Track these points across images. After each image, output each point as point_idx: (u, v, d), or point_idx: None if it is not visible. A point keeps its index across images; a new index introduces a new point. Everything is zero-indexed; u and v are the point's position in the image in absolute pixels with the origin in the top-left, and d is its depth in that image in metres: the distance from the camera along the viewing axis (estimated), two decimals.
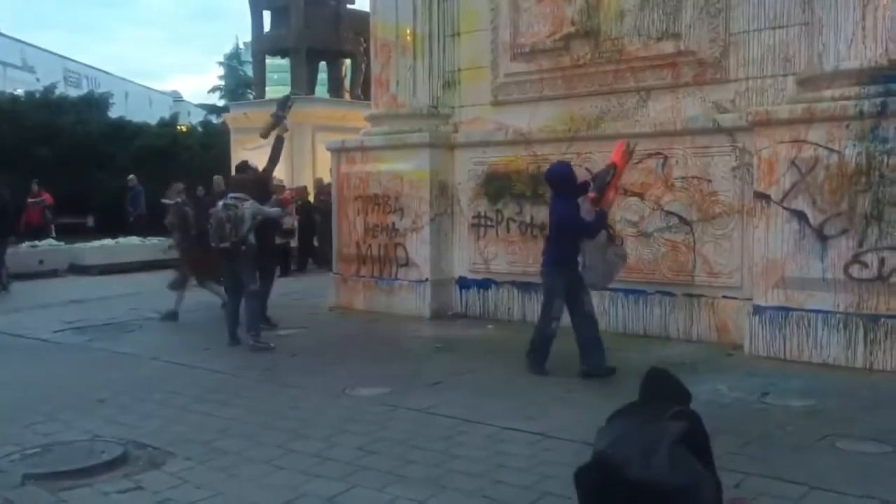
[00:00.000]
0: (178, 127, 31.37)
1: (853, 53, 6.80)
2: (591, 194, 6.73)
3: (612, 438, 2.97)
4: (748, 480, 4.35)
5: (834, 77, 6.94)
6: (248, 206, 8.26)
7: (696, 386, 6.28)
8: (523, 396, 6.18)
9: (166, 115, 37.68)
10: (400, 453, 4.98)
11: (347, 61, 23.09)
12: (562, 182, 6.97)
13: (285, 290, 11.59)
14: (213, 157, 23.07)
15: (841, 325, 6.76)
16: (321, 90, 24.71)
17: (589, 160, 8.75)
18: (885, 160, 6.49)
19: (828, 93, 6.94)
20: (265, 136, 9.39)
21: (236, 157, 19.40)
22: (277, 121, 9.23)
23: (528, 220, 9.34)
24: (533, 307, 9.25)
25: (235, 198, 8.31)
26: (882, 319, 6.52)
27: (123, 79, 52.77)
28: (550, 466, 4.61)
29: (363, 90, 20.73)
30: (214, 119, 32.52)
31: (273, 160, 9.05)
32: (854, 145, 6.68)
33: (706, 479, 2.93)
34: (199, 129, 31.15)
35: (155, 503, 4.32)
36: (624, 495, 2.84)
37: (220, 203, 8.35)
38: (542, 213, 9.16)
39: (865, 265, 6.63)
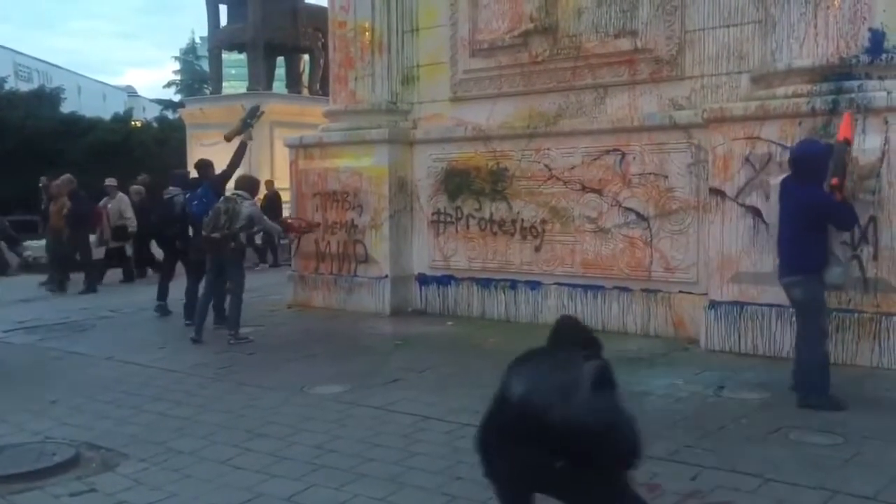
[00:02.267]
0: (133, 122, 30.89)
1: (805, 52, 6.91)
2: (834, 179, 5.42)
3: (527, 382, 2.86)
4: (704, 473, 4.41)
5: (787, 75, 7.05)
6: (248, 206, 8.43)
7: (653, 380, 6.38)
8: (483, 392, 6.15)
9: (121, 110, 37.07)
10: (359, 451, 4.94)
11: (305, 56, 22.94)
12: (812, 162, 5.60)
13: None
14: (168, 152, 22.74)
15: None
16: (279, 85, 24.52)
17: (548, 156, 8.80)
18: None
19: (781, 90, 7.05)
20: (229, 139, 9.31)
21: (192, 152, 19.19)
22: (244, 127, 9.18)
23: (487, 216, 9.35)
24: (493, 303, 9.29)
25: (237, 194, 8.51)
26: (833, 314, 6.63)
27: (76, 73, 51.76)
28: None
29: (321, 86, 20.62)
30: (170, 114, 32.07)
31: (233, 165, 9.07)
32: None
33: (630, 416, 2.86)
34: (155, 124, 30.69)
35: None
36: (546, 441, 2.76)
37: (223, 197, 8.58)
38: (501, 210, 9.20)
39: None
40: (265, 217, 8.90)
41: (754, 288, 7.11)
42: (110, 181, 14.10)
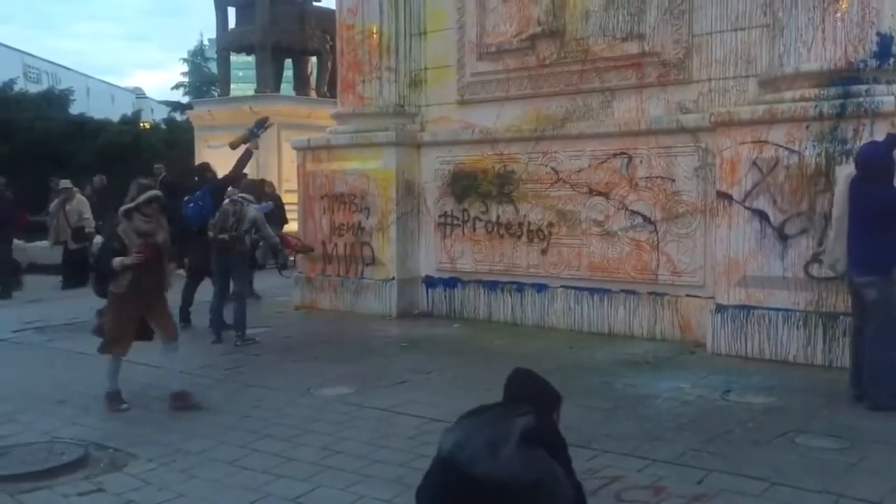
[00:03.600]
0: (141, 124, 30.99)
1: (813, 56, 6.91)
2: None
3: (456, 437, 2.76)
4: (710, 477, 4.41)
5: (794, 79, 7.05)
6: (253, 210, 8.60)
7: (659, 383, 6.39)
8: (488, 395, 6.17)
9: (129, 111, 37.19)
10: (365, 453, 4.96)
11: (313, 59, 22.98)
12: (880, 162, 5.68)
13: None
14: (176, 154, 22.80)
15: (801, 322, 6.87)
16: (287, 88, 24.57)
17: (554, 159, 8.81)
18: (844, 161, 6.59)
19: (788, 94, 7.05)
20: (234, 147, 9.36)
21: (200, 154, 19.25)
22: (251, 136, 9.22)
23: (494, 219, 9.37)
24: (499, 306, 9.30)
25: (243, 198, 8.67)
26: (840, 317, 6.63)
27: (85, 74, 51.88)
28: None
29: (329, 88, 20.65)
30: (178, 116, 32.16)
31: (235, 170, 9.08)
32: (814, 146, 6.80)
33: (560, 475, 2.72)
34: (163, 126, 30.77)
35: None
36: (471, 496, 2.64)
37: (228, 199, 8.68)
38: (507, 212, 9.21)
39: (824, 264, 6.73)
40: (266, 225, 8.93)
41: (761, 292, 7.11)
42: (64, 182, 14.02)
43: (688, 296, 7.95)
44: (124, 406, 6.01)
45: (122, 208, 5.97)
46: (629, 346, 7.84)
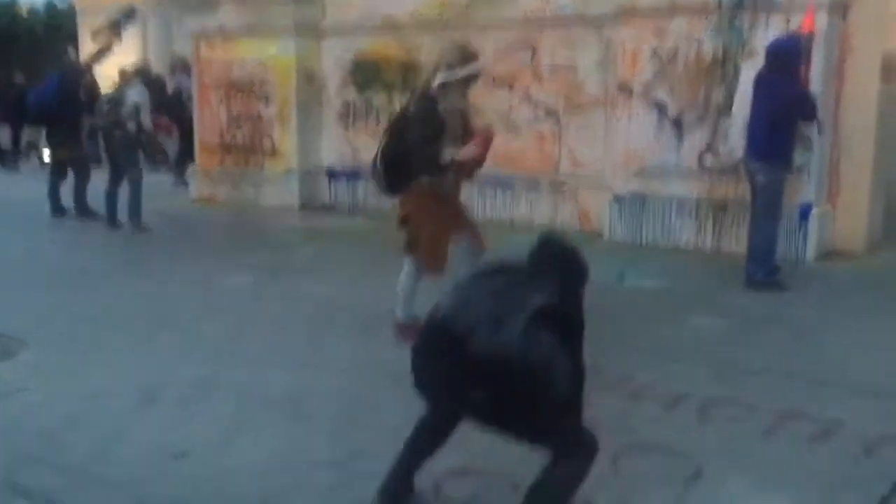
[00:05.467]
0: (19, 9, 28.79)
1: None
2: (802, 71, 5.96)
3: (455, 302, 2.53)
4: (604, 353, 4.60)
5: None
6: (135, 94, 8.21)
7: None
8: (392, 283, 6.21)
9: None
10: (270, 338, 4.96)
11: None
12: (789, 55, 5.81)
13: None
14: (59, 41, 21.37)
15: (693, 211, 7.14)
16: None
17: None
18: (740, 52, 6.75)
19: None
20: (97, 41, 8.85)
21: (84, 41, 18.08)
22: (115, 28, 8.70)
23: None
24: None
25: (126, 83, 8.40)
26: (730, 206, 6.92)
27: None
28: None
29: None
30: (58, 1, 29.99)
31: (89, 63, 8.67)
32: (712, 37, 6.91)
33: (563, 359, 2.45)
34: (42, 10, 28.68)
35: (10, 393, 4.14)
36: (463, 363, 2.42)
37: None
38: None
39: (717, 154, 6.97)
40: (147, 111, 8.50)
41: (657, 182, 7.32)
42: None
43: (587, 187, 8.11)
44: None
45: (439, 81, 4.53)
46: (530, 237, 7.98)
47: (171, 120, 11.46)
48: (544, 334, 2.43)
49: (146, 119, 8.44)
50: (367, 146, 9.36)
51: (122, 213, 8.41)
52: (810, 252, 6.71)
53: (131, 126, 8.22)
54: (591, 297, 5.72)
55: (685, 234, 7.19)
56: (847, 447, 3.38)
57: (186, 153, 11.37)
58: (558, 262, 2.70)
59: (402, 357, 4.48)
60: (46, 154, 11.02)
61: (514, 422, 2.51)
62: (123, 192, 8.42)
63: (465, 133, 4.54)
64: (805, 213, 6.67)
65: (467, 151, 4.47)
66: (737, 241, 6.87)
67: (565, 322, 2.53)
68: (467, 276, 2.74)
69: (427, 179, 4.53)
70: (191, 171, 10.76)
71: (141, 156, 8.89)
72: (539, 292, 2.50)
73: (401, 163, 4.53)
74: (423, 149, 4.42)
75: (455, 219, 4.76)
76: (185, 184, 11.07)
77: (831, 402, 3.84)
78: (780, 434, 3.54)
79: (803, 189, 6.65)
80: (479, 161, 4.57)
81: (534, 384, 2.40)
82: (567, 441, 2.55)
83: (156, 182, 11.45)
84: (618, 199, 7.56)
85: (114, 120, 8.15)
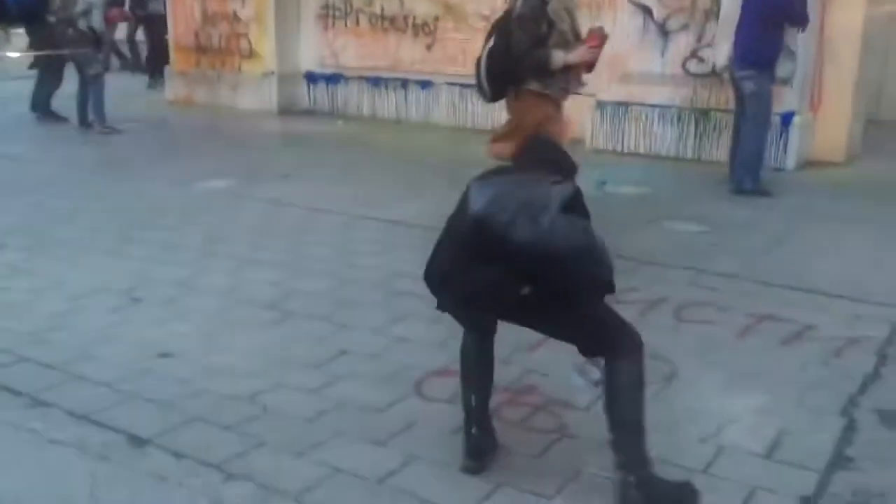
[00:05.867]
0: None
1: None
2: None
3: (492, 194, 2.43)
4: None
5: None
6: None
7: None
8: (373, 187, 6.21)
9: None
10: (251, 240, 4.95)
11: None
12: None
13: (122, 85, 10.85)
14: None
15: (675, 118, 7.12)
16: None
17: None
18: None
19: None
20: None
21: None
22: None
23: (378, 11, 9.01)
24: (384, 103, 9.16)
25: None
26: (712, 113, 6.90)
27: None
28: (401, 250, 4.74)
29: None
30: None
31: None
32: None
33: (601, 241, 2.46)
34: None
35: None
36: (508, 257, 2.38)
37: None
38: (392, 4, 8.86)
39: (702, 60, 6.90)
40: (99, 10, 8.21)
41: (640, 88, 7.26)
42: None
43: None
44: None
45: None
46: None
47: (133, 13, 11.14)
48: (577, 219, 2.41)
49: (97, 17, 8.15)
50: (348, 49, 9.21)
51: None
52: (791, 160, 6.75)
53: (83, 24, 7.94)
54: None
55: (667, 141, 7.18)
56: (817, 349, 3.48)
57: (159, 54, 11.07)
58: (553, 158, 2.69)
59: (384, 262, 4.54)
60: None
61: (562, 312, 2.48)
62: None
63: (575, 35, 4.13)
64: (787, 121, 6.67)
65: (579, 54, 4.04)
66: (718, 149, 6.87)
67: (584, 211, 2.50)
68: (478, 180, 2.59)
69: (535, 85, 4.08)
70: (166, 72, 10.51)
71: (103, 54, 8.60)
72: (555, 184, 2.45)
73: (505, 67, 4.07)
74: (531, 52, 3.97)
75: (563, 131, 4.31)
76: (160, 86, 10.84)
77: (804, 306, 3.93)
78: (754, 336, 3.64)
79: (786, 97, 6.62)
80: (590, 65, 4.20)
81: (580, 268, 2.38)
82: (610, 331, 2.54)
83: (129, 84, 11.26)
84: (600, 106, 7.50)
85: (65, 17, 7.88)
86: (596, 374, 2.78)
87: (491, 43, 4.13)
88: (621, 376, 2.48)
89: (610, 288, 2.47)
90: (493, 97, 4.28)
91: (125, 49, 12.82)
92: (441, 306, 2.64)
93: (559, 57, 3.98)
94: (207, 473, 2.59)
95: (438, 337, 3.60)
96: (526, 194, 2.41)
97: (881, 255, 4.76)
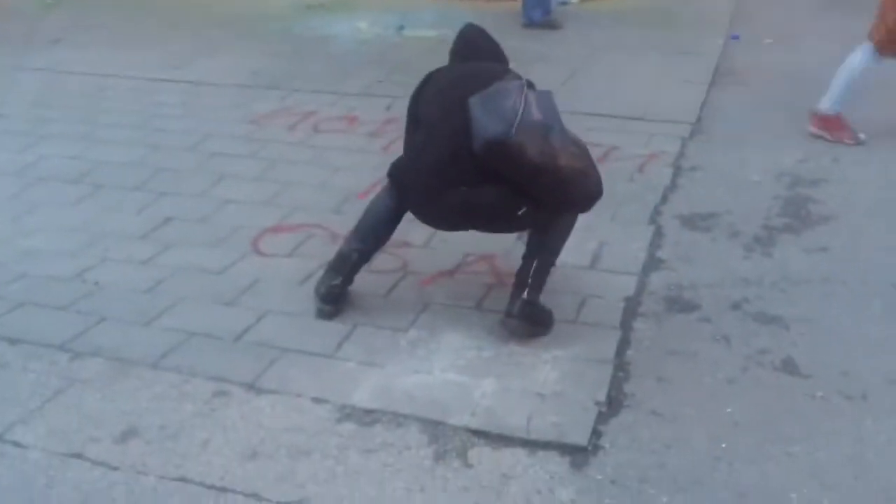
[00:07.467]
0: None
1: None
2: None
3: (503, 120, 2.35)
4: (396, 103, 4.65)
5: None
6: None
7: (336, 25, 6.41)
8: (165, 48, 5.79)
9: None
10: (36, 114, 4.54)
11: None
12: None
13: None
14: None
15: None
16: None
17: None
18: None
19: None
20: None
21: None
22: None
23: None
24: None
25: None
26: None
27: None
28: (210, 111, 4.54)
29: None
30: None
31: None
32: None
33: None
34: None
35: None
36: (511, 184, 2.43)
37: None
38: None
39: None
40: None
41: None
42: None
43: None
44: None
45: None
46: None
47: None
48: (577, 138, 2.52)
49: None
50: None
51: None
52: None
53: None
54: (377, 47, 5.76)
55: None
56: (623, 167, 3.77)
57: None
58: (493, 50, 2.84)
59: (193, 124, 4.32)
60: None
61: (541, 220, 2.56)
62: None
63: None
64: None
65: None
66: None
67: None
68: (431, 85, 2.78)
69: None
70: None
71: None
72: (515, 80, 2.52)
73: None
74: None
75: None
76: None
77: (606, 129, 4.20)
78: None
79: None
80: None
81: (580, 187, 2.48)
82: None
83: None
84: None
85: None
86: None
87: None
88: (569, 217, 2.61)
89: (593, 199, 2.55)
90: None
91: None
92: (408, 208, 2.64)
93: None
94: (51, 354, 2.49)
95: (265, 195, 3.57)
96: (503, 101, 2.38)
97: (666, 78, 5.11)
